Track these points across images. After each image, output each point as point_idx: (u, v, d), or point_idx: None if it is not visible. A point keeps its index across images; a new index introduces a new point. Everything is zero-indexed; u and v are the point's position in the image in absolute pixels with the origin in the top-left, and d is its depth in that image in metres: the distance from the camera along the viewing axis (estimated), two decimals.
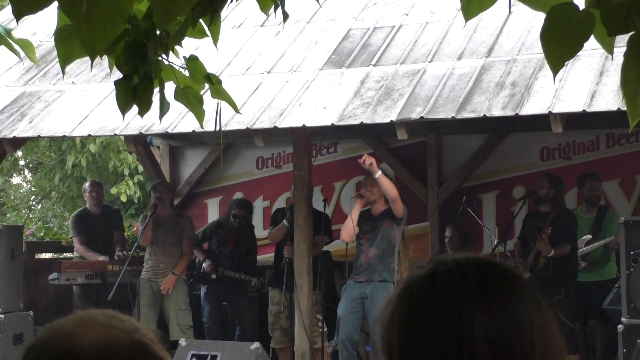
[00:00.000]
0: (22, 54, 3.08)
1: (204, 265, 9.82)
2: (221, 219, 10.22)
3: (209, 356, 8.13)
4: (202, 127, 2.98)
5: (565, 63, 1.99)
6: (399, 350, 1.33)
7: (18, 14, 1.85)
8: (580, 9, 1.88)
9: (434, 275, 1.35)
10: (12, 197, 22.65)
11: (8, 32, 2.96)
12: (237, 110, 3.02)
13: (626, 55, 1.79)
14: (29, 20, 9.95)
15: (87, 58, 2.13)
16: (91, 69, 2.72)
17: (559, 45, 1.86)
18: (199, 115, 2.84)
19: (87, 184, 10.48)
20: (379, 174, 8.19)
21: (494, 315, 1.30)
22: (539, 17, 2.02)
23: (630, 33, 1.77)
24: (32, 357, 1.28)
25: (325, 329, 8.86)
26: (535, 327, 1.32)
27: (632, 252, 7.16)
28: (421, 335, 1.30)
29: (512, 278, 1.37)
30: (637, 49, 1.75)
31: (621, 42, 1.91)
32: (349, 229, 8.40)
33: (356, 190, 8.99)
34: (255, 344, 8.07)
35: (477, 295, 1.31)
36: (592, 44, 2.04)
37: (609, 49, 2.04)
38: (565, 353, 1.36)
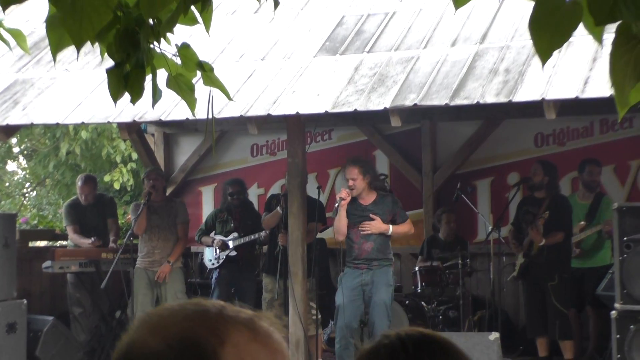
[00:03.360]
0: (13, 43, 3.08)
1: (215, 243, 9.82)
2: (219, 206, 10.28)
3: None
4: (193, 115, 2.98)
5: (557, 51, 1.99)
6: None
7: (4, 4, 1.84)
8: None
9: (378, 348, 1.54)
10: (7, 184, 22.63)
11: None
12: (229, 98, 3.01)
13: (614, 44, 1.79)
14: (21, 7, 9.90)
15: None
16: (77, 57, 2.72)
17: (548, 34, 1.86)
18: (191, 103, 2.83)
19: (79, 180, 10.43)
20: (390, 230, 8.32)
21: None
22: (532, 4, 2.02)
23: (618, 22, 1.77)
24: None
25: (320, 317, 8.88)
26: None
27: (625, 238, 7.17)
28: None
29: (446, 351, 1.54)
30: (624, 38, 1.75)
31: (612, 29, 1.91)
32: (341, 229, 8.40)
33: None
34: None
35: None
36: (585, 30, 2.04)
37: (598, 38, 2.04)
38: None
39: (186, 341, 1.20)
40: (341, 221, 8.38)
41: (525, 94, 7.39)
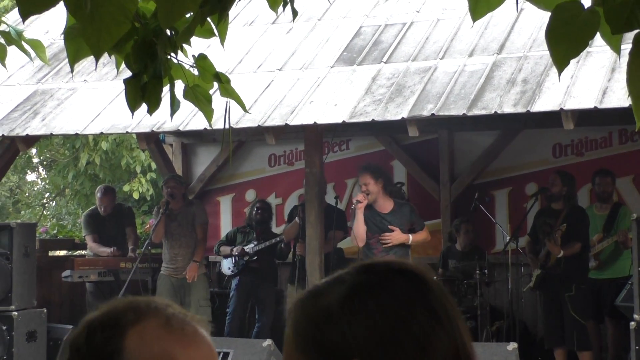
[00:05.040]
0: (33, 54, 3.10)
1: (234, 250, 9.86)
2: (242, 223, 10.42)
3: (222, 353, 8.16)
4: (210, 126, 2.99)
5: (576, 60, 1.99)
6: None
7: (24, 14, 1.86)
8: (586, 7, 1.88)
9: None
10: (27, 194, 22.76)
11: (19, 33, 2.98)
12: (245, 110, 3.02)
13: (631, 53, 1.79)
14: (41, 18, 9.99)
15: None
16: (95, 68, 2.74)
17: (565, 43, 1.86)
18: (208, 114, 2.85)
19: (98, 192, 10.47)
20: (410, 240, 8.37)
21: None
22: (549, 15, 2.02)
23: (635, 31, 1.77)
24: None
25: None
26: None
27: None
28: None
29: (391, 277, 1.36)
30: None
31: (629, 39, 1.91)
32: (360, 234, 8.41)
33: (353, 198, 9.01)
34: (268, 341, 8.08)
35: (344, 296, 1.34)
36: (603, 41, 2.04)
37: (616, 48, 2.03)
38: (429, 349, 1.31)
39: (108, 315, 1.40)
40: (359, 226, 8.38)
41: (543, 104, 7.37)
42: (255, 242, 9.88)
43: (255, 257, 9.84)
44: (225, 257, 10.02)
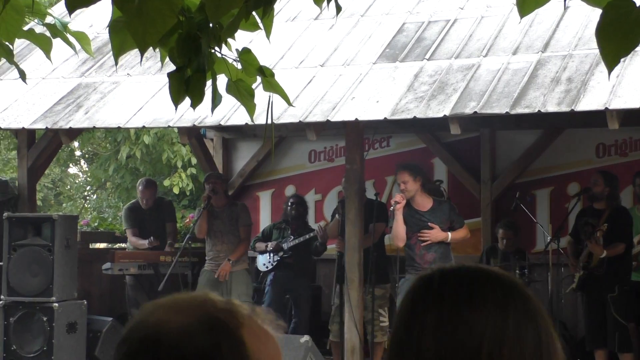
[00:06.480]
0: (78, 46, 3.12)
1: (269, 246, 9.88)
2: (279, 218, 10.40)
3: None
4: (252, 120, 2.98)
5: (622, 59, 1.96)
6: (390, 346, 1.49)
7: (71, 7, 1.86)
8: (637, 5, 1.85)
9: (418, 280, 1.50)
10: (69, 187, 22.98)
11: (64, 25, 2.99)
12: (289, 103, 3.02)
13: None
14: (86, 12, 10.06)
15: None
16: (141, 62, 2.74)
17: (615, 41, 1.83)
18: (250, 108, 2.84)
19: (140, 185, 10.51)
20: (449, 238, 8.36)
21: (445, 317, 1.41)
22: (596, 12, 1.98)
23: None
24: (124, 346, 1.34)
25: (387, 324, 8.86)
26: (490, 326, 1.40)
27: None
28: (396, 336, 1.47)
29: (474, 282, 1.45)
30: None
31: None
32: (400, 234, 8.37)
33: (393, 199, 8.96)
34: (305, 337, 8.08)
35: (435, 299, 1.43)
36: None
37: None
38: (551, 352, 1.44)
39: (213, 319, 1.31)
40: (399, 226, 8.35)
41: (588, 104, 7.29)
42: (291, 238, 9.89)
43: (290, 253, 9.84)
44: (261, 253, 10.04)
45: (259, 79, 2.84)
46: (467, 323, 1.39)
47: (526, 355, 1.39)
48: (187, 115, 8.29)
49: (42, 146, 9.80)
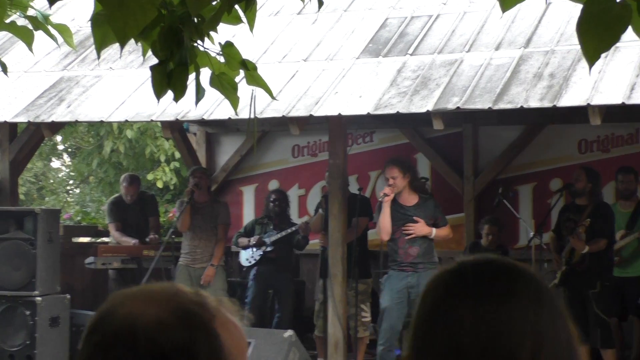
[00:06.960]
0: (60, 39, 3.11)
1: (252, 240, 9.88)
2: (260, 214, 10.40)
3: None
4: (236, 114, 2.99)
5: (604, 55, 1.97)
6: (412, 344, 1.45)
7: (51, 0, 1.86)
8: (617, 0, 1.86)
9: (444, 273, 1.48)
10: (51, 181, 22.89)
11: (46, 17, 2.98)
12: (272, 97, 3.01)
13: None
14: (68, 5, 10.02)
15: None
16: (120, 54, 2.74)
17: (596, 37, 1.84)
18: (234, 102, 2.84)
19: (124, 181, 10.47)
20: (433, 233, 8.33)
21: (483, 312, 1.39)
22: (578, 8, 1.99)
23: None
24: (95, 335, 1.35)
25: (369, 319, 8.88)
26: (528, 322, 1.40)
27: None
28: (426, 331, 1.44)
29: (509, 276, 1.45)
30: None
31: None
32: (386, 227, 8.37)
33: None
34: (289, 332, 8.08)
35: (471, 294, 1.41)
36: (632, 36, 2.01)
37: None
38: (576, 348, 1.43)
39: (186, 311, 1.31)
40: (385, 219, 8.35)
41: (570, 99, 7.32)
42: (274, 233, 9.89)
43: (272, 247, 9.84)
44: (244, 248, 10.03)
45: (242, 73, 2.85)
46: (506, 319, 1.39)
47: (563, 351, 1.40)
48: (169, 109, 8.27)
49: (24, 140, 9.76)
